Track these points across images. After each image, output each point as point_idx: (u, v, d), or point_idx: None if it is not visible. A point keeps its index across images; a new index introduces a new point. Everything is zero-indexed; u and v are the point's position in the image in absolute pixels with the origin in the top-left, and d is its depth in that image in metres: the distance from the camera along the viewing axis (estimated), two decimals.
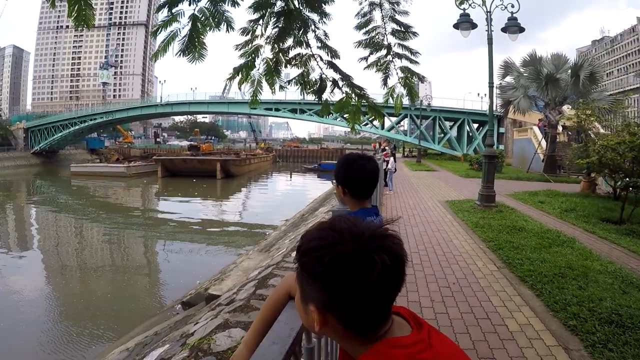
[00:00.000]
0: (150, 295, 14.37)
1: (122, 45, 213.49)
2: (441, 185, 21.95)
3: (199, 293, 9.75)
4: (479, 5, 11.59)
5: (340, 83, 4.98)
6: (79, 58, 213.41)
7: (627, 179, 12.36)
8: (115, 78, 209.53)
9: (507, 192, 17.52)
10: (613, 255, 8.15)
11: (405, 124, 71.06)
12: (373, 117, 5.59)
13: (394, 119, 64.58)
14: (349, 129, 5.77)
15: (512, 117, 43.79)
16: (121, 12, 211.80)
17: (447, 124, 65.32)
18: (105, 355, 8.48)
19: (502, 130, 57.83)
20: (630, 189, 12.18)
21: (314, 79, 4.97)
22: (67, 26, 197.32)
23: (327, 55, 4.84)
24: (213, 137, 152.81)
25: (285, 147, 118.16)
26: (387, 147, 20.74)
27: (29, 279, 15.60)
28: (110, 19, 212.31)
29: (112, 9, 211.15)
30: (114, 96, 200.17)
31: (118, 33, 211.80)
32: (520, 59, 31.62)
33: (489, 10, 13.90)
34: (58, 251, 20.13)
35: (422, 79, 5.35)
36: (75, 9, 3.64)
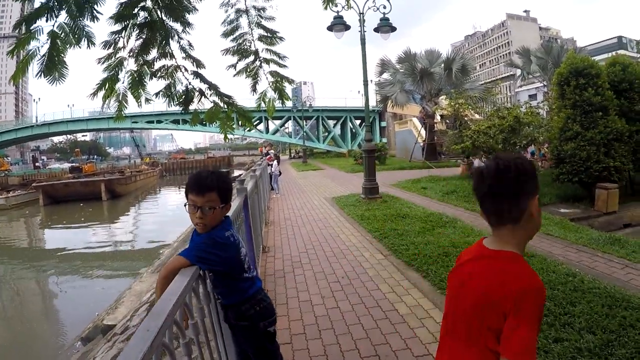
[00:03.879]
0: (49, 336, 13.60)
1: None
2: (327, 183, 22.29)
3: (97, 325, 9.40)
4: (344, 8, 11.97)
5: (208, 92, 4.97)
6: None
7: None
8: (16, 84, 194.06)
9: (391, 183, 18.14)
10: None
11: (290, 125, 71.66)
12: (244, 124, 5.59)
13: (277, 122, 65.16)
14: (235, 136, 5.77)
15: (393, 111, 45.32)
16: None
17: (331, 122, 67.06)
18: None
19: (383, 124, 60.13)
20: None
21: (181, 90, 4.94)
22: None
23: (193, 65, 4.82)
24: (96, 156, 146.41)
25: (172, 159, 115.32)
26: (270, 151, 20.89)
27: None
28: None
29: None
30: None
31: None
32: (396, 55, 33.08)
33: (361, 12, 14.40)
34: None
35: (291, 82, 5.47)
36: None
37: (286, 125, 71.09)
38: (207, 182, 2.55)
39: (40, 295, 18.68)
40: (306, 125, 63.09)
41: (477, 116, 25.21)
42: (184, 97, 4.94)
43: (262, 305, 2.76)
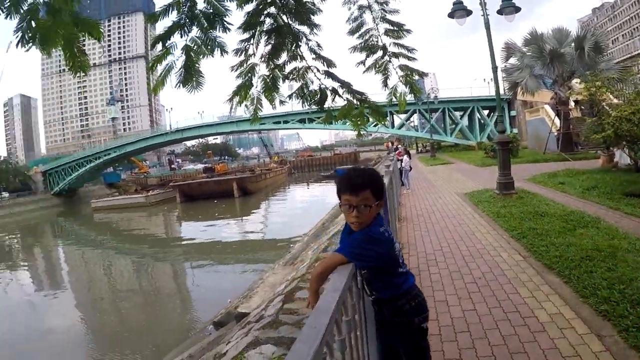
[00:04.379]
0: (182, 318, 14.51)
1: (125, 79, 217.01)
2: (458, 178, 21.72)
3: (229, 312, 9.75)
4: None
5: (340, 90, 4.95)
6: (85, 97, 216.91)
7: None
8: (123, 112, 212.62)
9: (525, 177, 17.26)
10: (632, 226, 7.98)
11: (416, 119, 70.66)
12: (377, 120, 5.53)
13: (403, 116, 64.37)
14: (377, 129, 5.76)
15: (523, 99, 43.10)
16: (119, 48, 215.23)
17: (457, 114, 65.17)
18: None
19: (513, 113, 57.47)
20: None
21: (313, 90, 4.97)
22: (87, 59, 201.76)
23: (324, 65, 4.82)
24: (226, 157, 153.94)
25: (299, 157, 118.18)
26: (399, 146, 20.65)
27: (64, 315, 16.00)
28: (109, 55, 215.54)
29: (110, 46, 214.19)
30: (124, 129, 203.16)
31: (119, 68, 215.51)
32: (522, 38, 31.14)
33: None
34: (89, 285, 20.50)
35: (422, 74, 5.33)
36: (69, 57, 3.67)
37: (412, 118, 70.19)
38: (360, 181, 2.59)
39: (175, 280, 19.96)
40: (432, 118, 61.79)
41: (615, 101, 23.36)
42: (317, 96, 4.96)
43: (417, 301, 2.72)
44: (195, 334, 11.39)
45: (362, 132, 5.51)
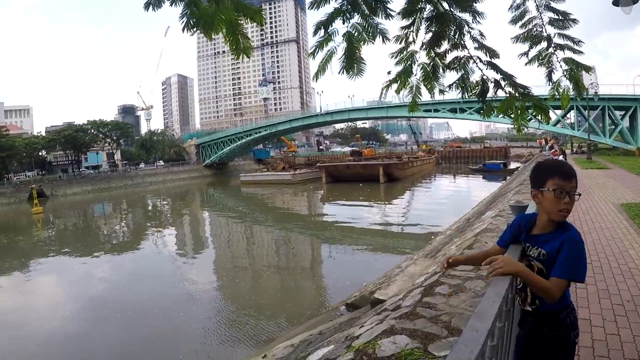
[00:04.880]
0: (315, 295, 14.89)
1: (277, 62, 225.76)
2: (616, 186, 20.08)
3: (364, 296, 9.84)
4: None
5: (503, 83, 4.79)
6: (239, 78, 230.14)
7: None
8: (274, 93, 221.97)
9: None
10: None
11: (572, 116, 66.26)
12: (540, 117, 5.29)
13: (559, 112, 60.46)
14: (512, 126, 5.56)
15: None
16: (272, 33, 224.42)
17: (618, 113, 59.89)
18: (272, 347, 8.86)
19: None
20: None
21: (474, 82, 4.87)
22: (224, 51, 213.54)
23: (486, 55, 4.69)
24: (374, 142, 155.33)
25: (447, 147, 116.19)
26: (555, 145, 19.65)
27: (203, 277, 17.20)
28: (262, 39, 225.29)
29: (262, 30, 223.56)
30: (275, 109, 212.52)
31: (272, 51, 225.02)
32: None
33: None
34: (230, 252, 21.78)
35: (588, 69, 5.04)
36: (232, 41, 3.86)
37: (568, 115, 65.85)
38: (572, 170, 2.54)
39: (313, 257, 20.57)
40: (590, 116, 57.55)
41: None
42: (478, 87, 4.86)
43: (574, 315, 2.58)
44: (327, 312, 11.63)
45: (523, 128, 5.29)
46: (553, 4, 4.78)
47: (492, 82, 4.80)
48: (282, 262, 19.75)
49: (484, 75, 4.81)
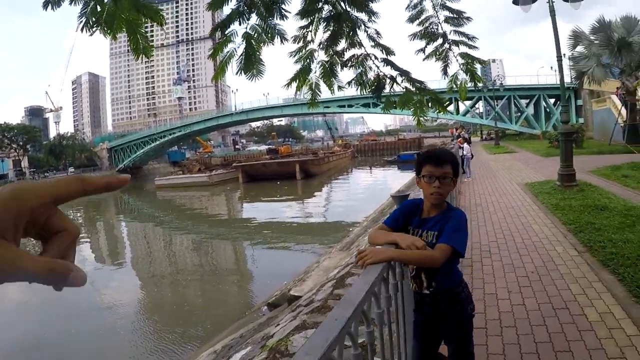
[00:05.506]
0: (238, 297, 14.80)
1: (192, 60, 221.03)
2: (520, 167, 21.31)
3: (284, 294, 9.92)
4: None
5: (399, 79, 4.97)
6: (152, 77, 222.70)
7: None
8: (189, 92, 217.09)
9: (588, 169, 16.79)
10: None
11: (481, 106, 69.55)
12: (437, 109, 5.52)
13: (468, 102, 63.59)
14: (425, 118, 5.77)
15: (590, 88, 41.72)
16: (187, 29, 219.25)
17: (523, 102, 63.95)
18: (195, 357, 8.81)
19: (580, 102, 55.70)
20: None
21: (372, 78, 5.00)
22: (150, 44, 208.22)
23: (382, 52, 4.85)
24: (290, 139, 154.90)
25: (363, 141, 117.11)
26: (461, 133, 20.38)
27: (123, 289, 16.57)
28: (177, 36, 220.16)
29: (177, 27, 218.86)
30: (190, 109, 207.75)
31: (187, 49, 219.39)
32: (589, 26, 30.17)
33: None
34: (149, 261, 21.16)
35: (482, 62, 5.29)
36: (133, 41, 3.84)
37: (477, 105, 69.15)
38: (444, 156, 2.70)
39: (235, 259, 20.41)
40: (497, 105, 60.81)
41: None
42: (375, 84, 4.99)
43: (468, 290, 2.77)
44: (250, 313, 11.62)
45: (422, 121, 5.50)
46: (448, 3, 4.97)
47: (388, 78, 4.96)
48: (205, 266, 19.43)
49: (380, 71, 4.96)
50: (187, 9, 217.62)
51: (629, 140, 27.10)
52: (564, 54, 33.78)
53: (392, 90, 5.06)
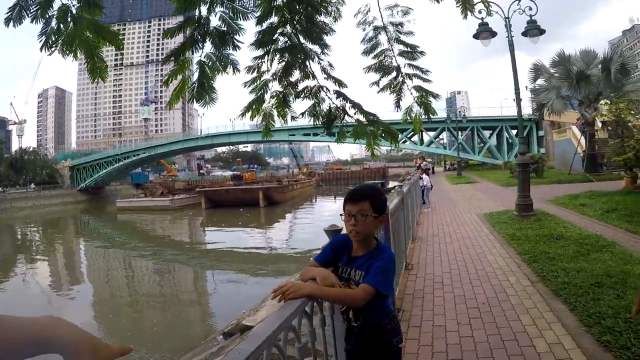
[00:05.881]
0: (195, 326, 14.56)
1: (161, 81, 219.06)
2: (481, 197, 21.59)
3: (239, 323, 9.80)
4: (484, 13, 11.52)
5: (352, 111, 5.02)
6: (120, 96, 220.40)
7: None
8: (156, 113, 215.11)
9: (548, 198, 17.13)
10: None
11: (445, 136, 70.78)
12: (390, 141, 5.58)
13: (432, 133, 64.91)
14: (390, 148, 5.83)
15: (550, 119, 42.95)
16: (157, 50, 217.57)
17: (486, 133, 65.34)
18: None
19: (541, 133, 57.26)
20: None
21: (325, 109, 5.04)
22: (106, 66, 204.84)
23: (335, 85, 4.91)
24: (256, 165, 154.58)
25: (328, 170, 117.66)
26: (421, 165, 20.68)
27: (79, 313, 16.07)
28: (147, 56, 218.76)
29: (148, 47, 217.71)
30: (156, 131, 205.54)
31: (156, 69, 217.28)
32: (549, 59, 31.42)
33: (507, 16, 13.92)
34: (107, 285, 20.69)
35: (436, 96, 5.37)
36: (90, 63, 3.83)
37: (441, 136, 70.37)
38: (360, 192, 2.69)
39: (194, 286, 20.08)
40: (461, 136, 62.04)
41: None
42: (327, 116, 5.03)
43: (396, 322, 2.74)
44: (205, 343, 11.45)
45: (388, 148, 5.56)
46: (403, 38, 5.09)
47: (341, 110, 5.00)
48: (164, 293, 19.03)
49: (332, 103, 5.01)
50: (158, 29, 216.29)
51: (587, 170, 28.08)
52: (526, 86, 35.04)
53: (344, 121, 5.10)
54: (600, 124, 29.59)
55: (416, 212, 14.19)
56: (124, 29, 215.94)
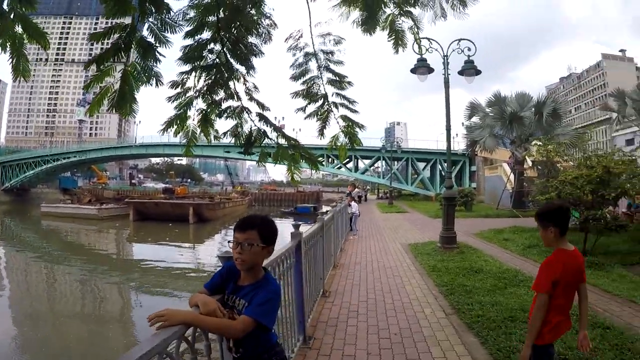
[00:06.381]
0: (116, 342, 14.08)
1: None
2: (408, 227, 21.94)
3: None
4: (423, 49, 11.83)
5: (274, 134, 5.00)
6: (57, 93, 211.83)
7: (588, 211, 12.35)
8: (92, 116, 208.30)
9: (473, 231, 17.58)
10: None
11: (382, 165, 71.98)
12: (311, 167, 5.59)
13: (367, 161, 65.96)
14: (328, 172, 5.80)
15: (484, 156, 44.43)
16: (102, 49, 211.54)
17: (421, 164, 66.91)
18: None
19: (474, 168, 59.07)
20: (591, 221, 12.09)
21: (247, 131, 5.00)
22: (47, 59, 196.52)
23: (258, 107, 4.89)
24: (189, 180, 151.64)
25: (262, 190, 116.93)
26: (351, 192, 20.87)
27: None
28: (91, 54, 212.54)
29: (92, 45, 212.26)
30: (90, 134, 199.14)
31: (97, 69, 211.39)
32: (486, 99, 32.81)
33: (445, 54, 14.36)
34: (27, 296, 19.69)
35: (361, 127, 5.39)
36: (15, 60, 3.73)
37: (377, 164, 71.50)
38: (249, 221, 2.66)
39: (117, 302, 19.40)
40: (395, 166, 63.30)
41: (571, 163, 24.15)
42: (247, 138, 5.00)
43: (280, 355, 2.71)
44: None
45: (322, 172, 5.54)
46: (332, 66, 5.13)
47: (262, 133, 4.98)
48: (85, 307, 18.18)
49: (253, 126, 4.98)
50: (98, 27, 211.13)
51: (515, 206, 29.32)
52: (462, 123, 36.24)
53: (264, 144, 5.07)
54: (530, 163, 30.95)
55: (341, 239, 14.23)
56: (70, 22, 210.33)
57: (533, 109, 30.32)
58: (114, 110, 4.34)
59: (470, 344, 5.72)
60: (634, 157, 14.97)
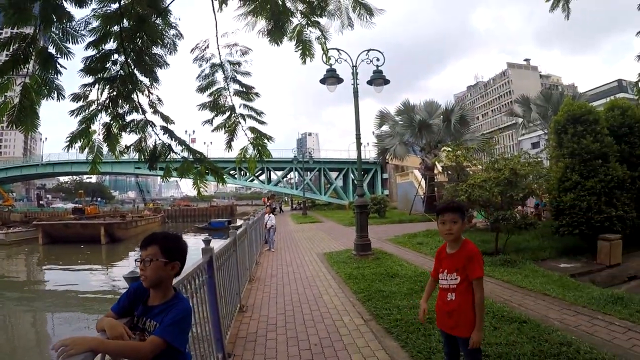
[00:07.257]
0: None
1: None
2: (323, 237, 22.01)
3: None
4: (336, 60, 12.04)
5: (178, 148, 4.88)
6: None
7: (498, 211, 12.87)
8: None
9: (387, 237, 17.90)
10: (487, 289, 8.28)
11: (295, 176, 72.19)
12: (217, 181, 5.50)
13: (280, 172, 66.01)
14: (241, 185, 5.67)
15: (395, 163, 45.59)
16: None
17: (333, 174, 67.68)
18: None
19: (385, 175, 60.48)
20: (501, 220, 12.60)
21: (151, 145, 4.86)
22: None
23: (162, 120, 4.77)
24: (100, 199, 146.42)
25: (175, 206, 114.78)
26: (271, 203, 20.83)
27: None
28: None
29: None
30: None
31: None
32: (395, 108, 33.84)
33: (354, 64, 14.60)
34: None
35: (269, 138, 5.37)
36: None
37: (290, 175, 71.71)
38: (151, 238, 2.65)
39: (26, 330, 18.45)
40: (308, 176, 63.70)
41: (479, 167, 25.12)
42: (152, 152, 4.85)
43: None
44: None
45: (236, 185, 5.44)
46: (240, 77, 5.09)
47: (166, 147, 4.86)
48: None
49: (158, 139, 4.85)
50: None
51: (427, 210, 30.31)
52: (373, 132, 37.10)
53: (165, 158, 4.94)
54: (440, 168, 32.05)
55: (256, 252, 14.10)
56: None
57: (442, 116, 31.83)
58: (13, 127, 4.09)
59: (391, 348, 5.79)
60: (539, 159, 15.79)
